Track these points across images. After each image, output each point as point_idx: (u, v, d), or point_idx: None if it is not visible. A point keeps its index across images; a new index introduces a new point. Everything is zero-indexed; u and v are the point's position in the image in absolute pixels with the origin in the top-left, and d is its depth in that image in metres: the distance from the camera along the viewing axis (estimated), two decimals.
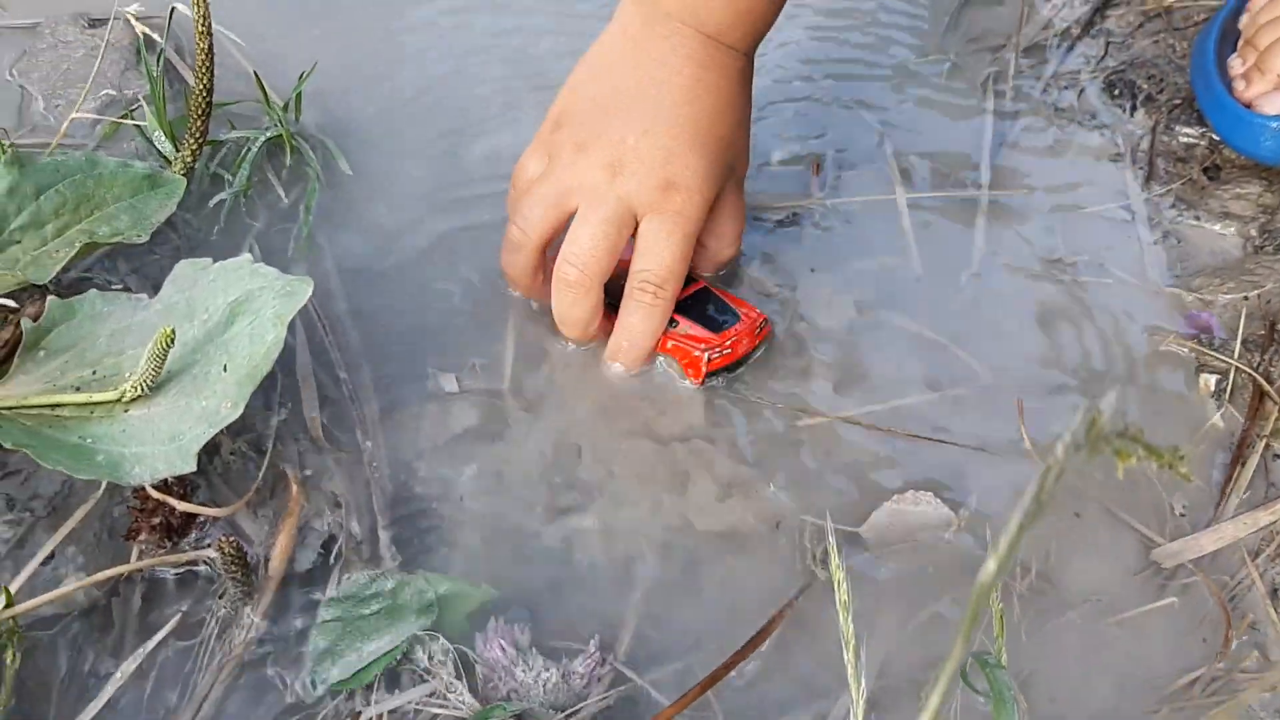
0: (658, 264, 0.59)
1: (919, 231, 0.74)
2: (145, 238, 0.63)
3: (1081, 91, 0.84)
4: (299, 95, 0.75)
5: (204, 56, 0.67)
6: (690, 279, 0.64)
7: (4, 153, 0.63)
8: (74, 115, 0.72)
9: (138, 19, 0.78)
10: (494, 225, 0.71)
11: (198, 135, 0.70)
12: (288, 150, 0.74)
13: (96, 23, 0.81)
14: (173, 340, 0.51)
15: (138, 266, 0.68)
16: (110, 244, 0.62)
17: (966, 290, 0.71)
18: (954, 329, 0.69)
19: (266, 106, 0.74)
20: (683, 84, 0.59)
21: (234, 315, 0.54)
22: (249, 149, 0.73)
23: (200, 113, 0.69)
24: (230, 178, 0.73)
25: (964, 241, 0.74)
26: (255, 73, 0.74)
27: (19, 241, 0.62)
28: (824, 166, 0.77)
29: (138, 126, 0.72)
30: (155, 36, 0.77)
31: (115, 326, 0.57)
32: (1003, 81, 0.84)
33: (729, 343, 0.63)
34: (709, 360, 0.63)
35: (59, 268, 0.60)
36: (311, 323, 0.67)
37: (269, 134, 0.74)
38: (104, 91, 0.77)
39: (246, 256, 0.57)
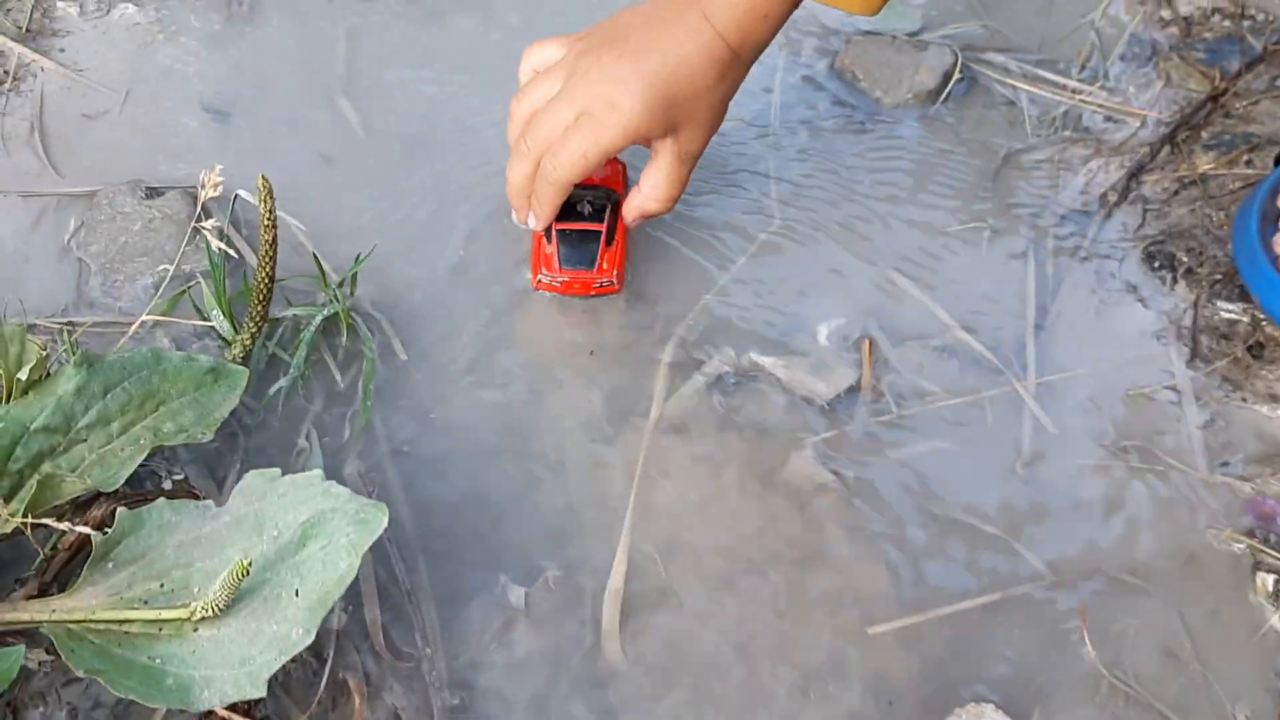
0: (561, 148, 0.70)
1: (966, 416, 0.74)
2: (209, 436, 0.63)
3: (1122, 261, 0.85)
4: (355, 275, 0.76)
5: (268, 248, 0.68)
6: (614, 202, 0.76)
7: (74, 352, 0.63)
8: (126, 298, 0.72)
9: (191, 188, 0.80)
10: (549, 409, 0.71)
11: (257, 319, 0.71)
12: (344, 329, 0.75)
13: (153, 193, 0.82)
14: (248, 571, 0.51)
15: (198, 454, 0.69)
16: (175, 444, 0.62)
17: (1019, 480, 0.71)
18: (1008, 521, 0.69)
19: (324, 286, 0.75)
20: (666, 41, 0.69)
21: (306, 536, 0.55)
22: (306, 330, 0.73)
23: (261, 298, 0.70)
24: (287, 357, 0.73)
25: (1013, 427, 0.74)
26: (315, 254, 0.75)
27: (85, 440, 0.63)
28: (875, 348, 0.77)
29: (196, 306, 0.73)
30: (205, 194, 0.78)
31: (183, 538, 0.57)
32: (1043, 250, 0.85)
33: (561, 281, 0.75)
34: (542, 281, 0.76)
35: (127, 473, 0.60)
36: None
37: (326, 312, 0.74)
38: (161, 267, 0.78)
39: (317, 473, 0.57)
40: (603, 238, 0.75)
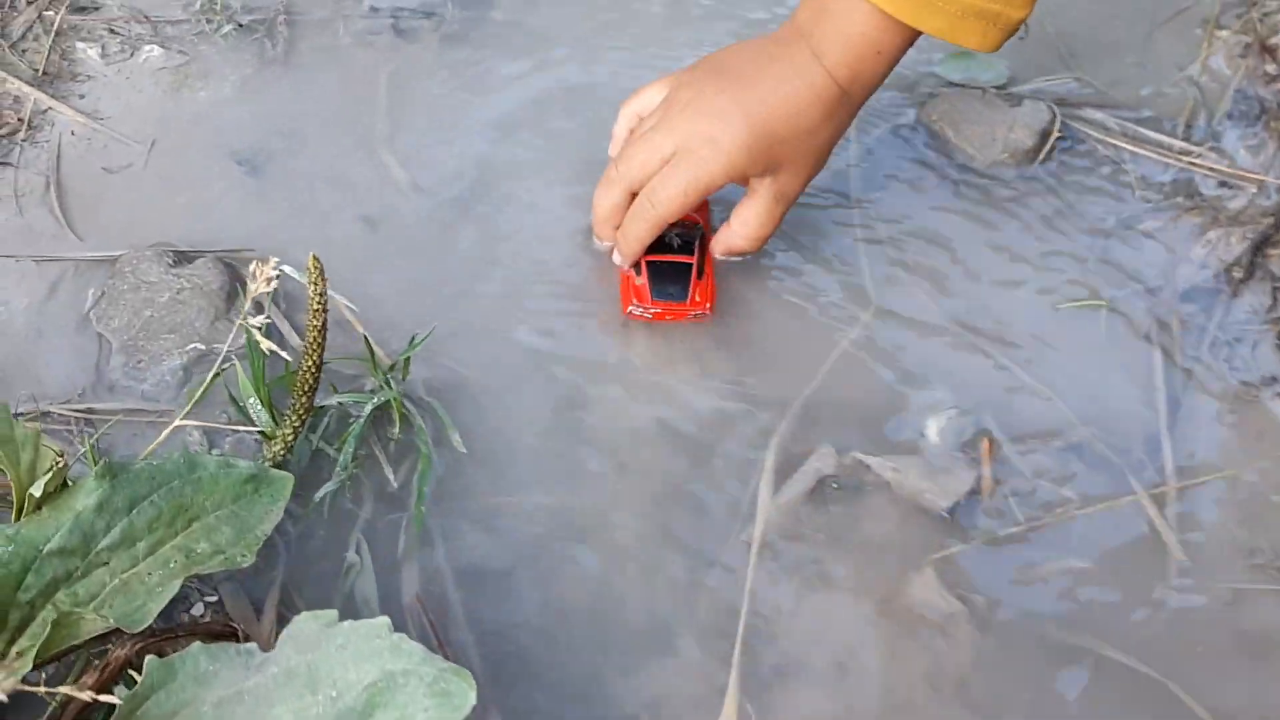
0: (660, 185, 0.67)
1: (1100, 526, 0.66)
2: (250, 559, 0.54)
3: (1255, 347, 0.76)
4: (408, 359, 0.67)
5: (316, 334, 0.60)
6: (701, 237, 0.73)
7: (95, 460, 0.54)
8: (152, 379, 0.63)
9: (223, 253, 0.71)
10: (630, 513, 0.62)
11: (301, 412, 0.62)
12: (396, 419, 0.66)
13: (182, 259, 0.74)
14: None
15: (233, 573, 0.60)
16: (212, 570, 0.53)
17: (1167, 606, 0.63)
18: (1163, 658, 0.60)
19: (374, 370, 0.66)
20: (771, 76, 0.66)
21: (374, 704, 0.46)
22: (355, 424, 0.65)
23: (306, 389, 0.61)
24: (333, 453, 0.65)
25: (1153, 541, 0.66)
26: (366, 336, 0.67)
27: (107, 563, 0.54)
28: (995, 446, 0.68)
29: (232, 396, 0.64)
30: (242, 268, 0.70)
31: (223, 693, 0.48)
32: (1167, 333, 0.76)
33: (654, 312, 0.72)
34: (634, 312, 0.73)
35: (156, 608, 0.51)
36: (426, 636, 0.59)
37: (376, 401, 0.66)
38: (190, 346, 0.69)
39: (383, 621, 0.48)
40: (694, 270, 0.72)
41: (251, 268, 0.53)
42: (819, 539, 0.64)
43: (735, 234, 0.71)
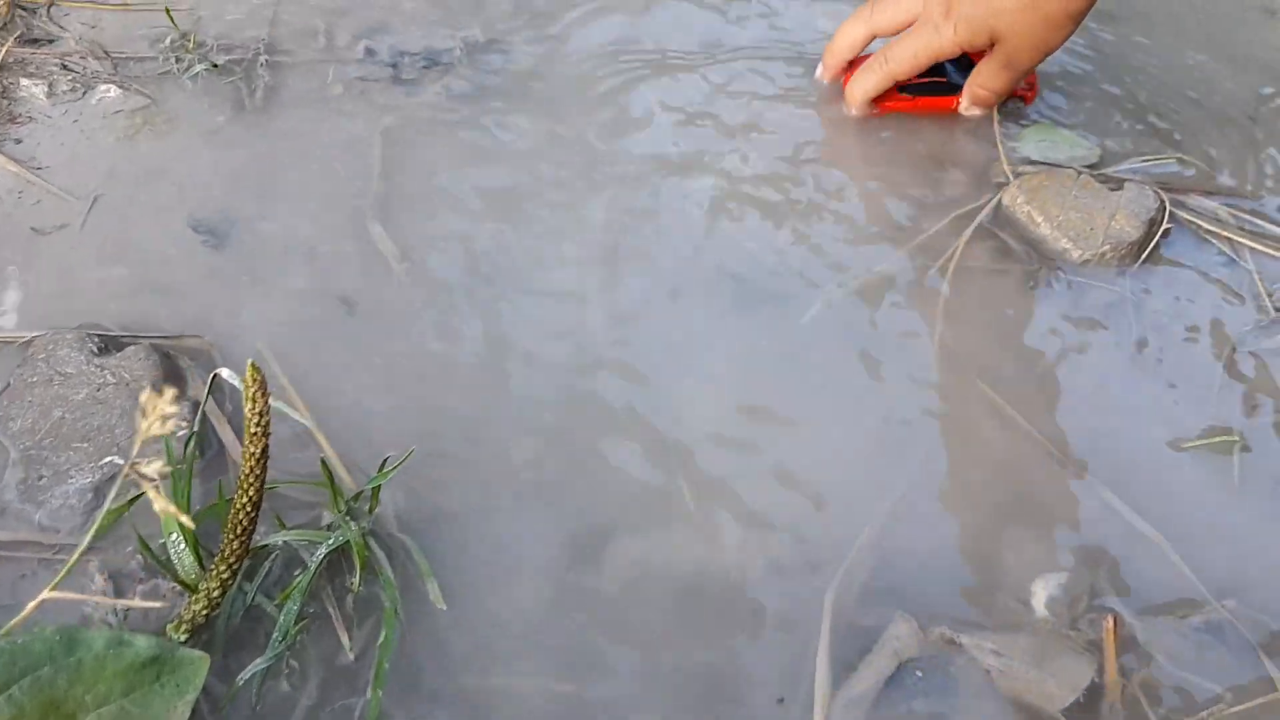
0: (898, 45, 0.77)
1: None
2: None
3: None
4: (378, 489, 0.52)
5: (253, 464, 0.45)
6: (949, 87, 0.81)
7: None
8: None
9: (162, 338, 0.57)
10: (655, 703, 0.47)
11: (231, 561, 0.47)
12: (358, 565, 0.51)
13: (108, 346, 0.59)
14: None
15: None
16: None
17: None
18: None
19: (333, 503, 0.52)
20: None
21: None
22: (302, 576, 0.50)
23: (239, 531, 0.47)
24: (272, 609, 0.50)
25: None
26: (324, 460, 0.52)
27: None
28: (1120, 624, 0.53)
29: (142, 542, 0.50)
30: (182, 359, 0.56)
31: None
32: None
33: (909, 98, 0.80)
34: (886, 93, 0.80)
35: None
36: None
37: (333, 543, 0.51)
38: (106, 459, 0.54)
39: None
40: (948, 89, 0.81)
41: (215, 374, 0.38)
42: None
43: (972, 90, 0.79)
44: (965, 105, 0.80)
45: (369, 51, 0.83)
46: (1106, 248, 0.73)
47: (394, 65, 0.82)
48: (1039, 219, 0.75)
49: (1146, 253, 0.74)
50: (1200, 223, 0.76)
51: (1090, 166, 0.81)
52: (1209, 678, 0.53)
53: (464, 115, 0.77)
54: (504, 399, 0.60)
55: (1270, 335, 0.71)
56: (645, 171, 0.74)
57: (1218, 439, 0.64)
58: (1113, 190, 0.76)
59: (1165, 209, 0.76)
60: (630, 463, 0.58)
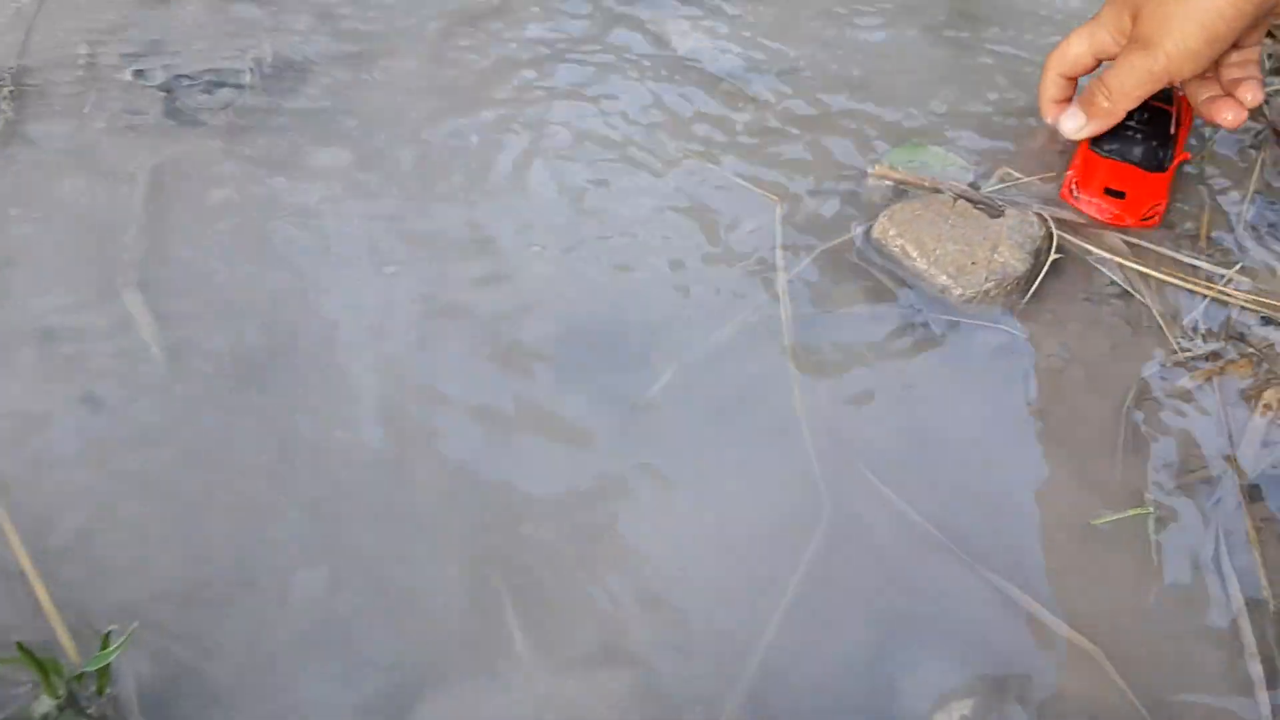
0: (1110, 75, 0.68)
1: None
2: None
3: None
4: (107, 668, 0.40)
5: None
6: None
7: None
8: None
9: None
10: None
11: None
12: None
13: None
14: None
15: None
16: None
17: None
18: None
19: (47, 686, 0.39)
20: None
21: None
22: None
23: None
24: None
25: None
26: (20, 644, 0.39)
27: None
28: None
29: None
30: None
31: None
32: (1240, 549, 0.55)
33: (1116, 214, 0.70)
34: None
35: None
36: None
37: None
38: None
39: None
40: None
41: None
42: None
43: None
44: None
45: (138, 73, 0.70)
46: (990, 284, 0.65)
47: (168, 92, 0.69)
48: (913, 252, 0.66)
49: (1034, 287, 0.66)
50: (1088, 245, 0.69)
51: (970, 185, 0.73)
52: None
53: (253, 152, 0.65)
54: (287, 516, 0.48)
55: (1174, 378, 0.64)
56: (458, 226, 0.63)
57: (1131, 511, 0.56)
58: (993, 217, 0.68)
59: (1053, 236, 0.69)
60: (445, 590, 0.47)
